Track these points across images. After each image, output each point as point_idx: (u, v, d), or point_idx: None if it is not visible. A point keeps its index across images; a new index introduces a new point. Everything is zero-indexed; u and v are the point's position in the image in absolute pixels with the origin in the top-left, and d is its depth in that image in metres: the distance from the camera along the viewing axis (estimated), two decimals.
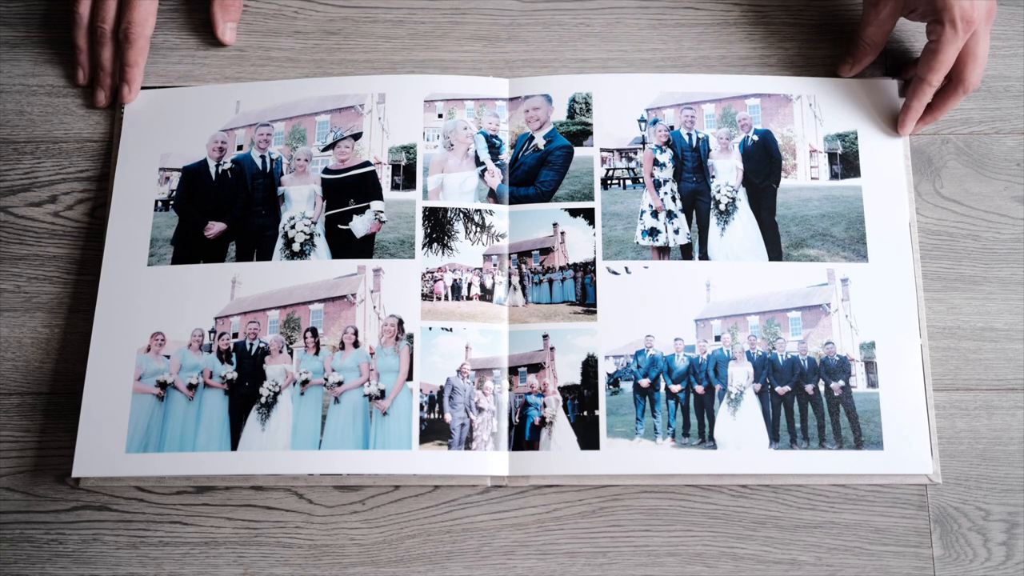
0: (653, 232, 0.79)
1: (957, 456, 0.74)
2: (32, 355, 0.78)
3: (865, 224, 0.77)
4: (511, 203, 0.79)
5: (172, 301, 0.77)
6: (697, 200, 0.80)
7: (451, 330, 0.76)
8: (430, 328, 0.76)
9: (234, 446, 0.74)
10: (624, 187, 0.80)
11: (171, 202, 0.80)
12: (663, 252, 0.78)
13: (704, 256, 0.78)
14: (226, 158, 0.81)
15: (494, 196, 0.80)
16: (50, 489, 0.75)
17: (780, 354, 0.76)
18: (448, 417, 0.74)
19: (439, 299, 0.77)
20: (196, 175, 0.81)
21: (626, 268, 0.78)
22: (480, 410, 0.75)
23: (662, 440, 0.73)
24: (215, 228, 0.79)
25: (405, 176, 0.80)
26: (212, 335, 0.77)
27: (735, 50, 0.84)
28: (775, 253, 0.78)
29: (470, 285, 0.78)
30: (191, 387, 0.75)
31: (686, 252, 0.78)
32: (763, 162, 0.80)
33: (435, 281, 0.77)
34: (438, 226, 0.79)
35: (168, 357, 0.76)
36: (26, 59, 0.85)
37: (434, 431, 0.74)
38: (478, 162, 0.80)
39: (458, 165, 0.80)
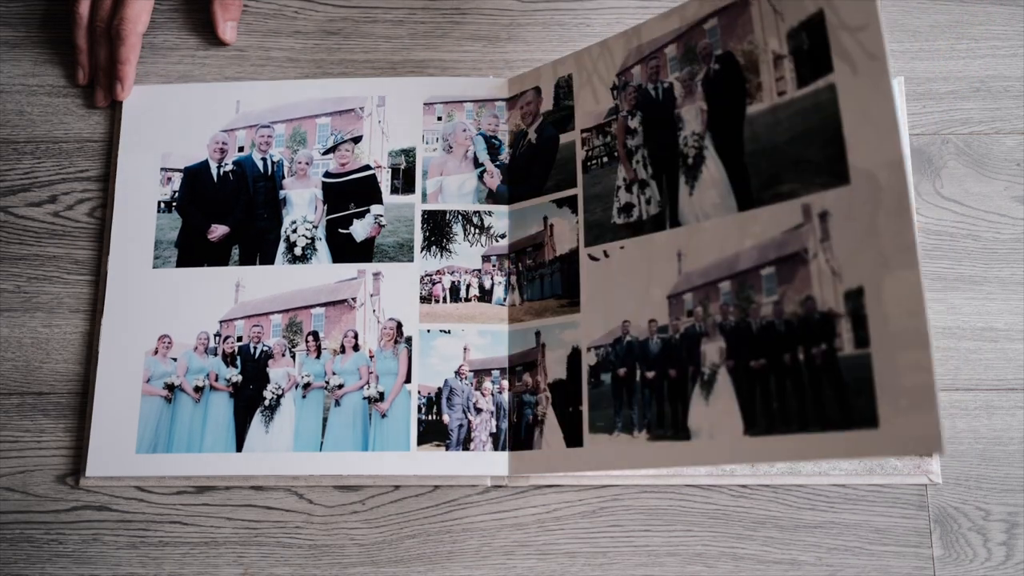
0: (627, 208, 0.73)
1: (957, 456, 0.74)
2: (32, 355, 0.78)
3: (843, 131, 0.60)
4: (511, 202, 0.79)
5: (177, 304, 0.78)
6: (667, 160, 0.71)
7: (449, 332, 0.76)
8: (428, 330, 0.76)
9: (239, 447, 0.74)
10: (601, 166, 0.75)
11: (174, 203, 0.80)
12: (637, 227, 0.72)
13: (675, 222, 0.69)
14: (227, 159, 0.81)
15: (494, 197, 0.80)
16: (50, 489, 0.75)
17: (754, 321, 0.63)
18: (446, 418, 0.74)
19: (437, 301, 0.77)
20: (197, 176, 0.81)
21: (604, 252, 0.73)
22: (479, 411, 0.75)
23: (638, 433, 0.68)
24: (218, 231, 0.79)
25: (404, 179, 0.80)
26: (217, 338, 0.77)
27: None
28: (745, 199, 0.65)
29: (468, 287, 0.78)
30: (197, 389, 0.76)
31: (658, 222, 0.70)
32: (728, 93, 0.68)
33: (433, 284, 0.77)
34: (437, 229, 0.79)
35: (175, 360, 0.76)
36: (26, 59, 0.85)
37: (432, 432, 0.74)
38: (477, 163, 0.80)
39: (457, 167, 0.80)
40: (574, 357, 0.73)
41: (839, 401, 0.58)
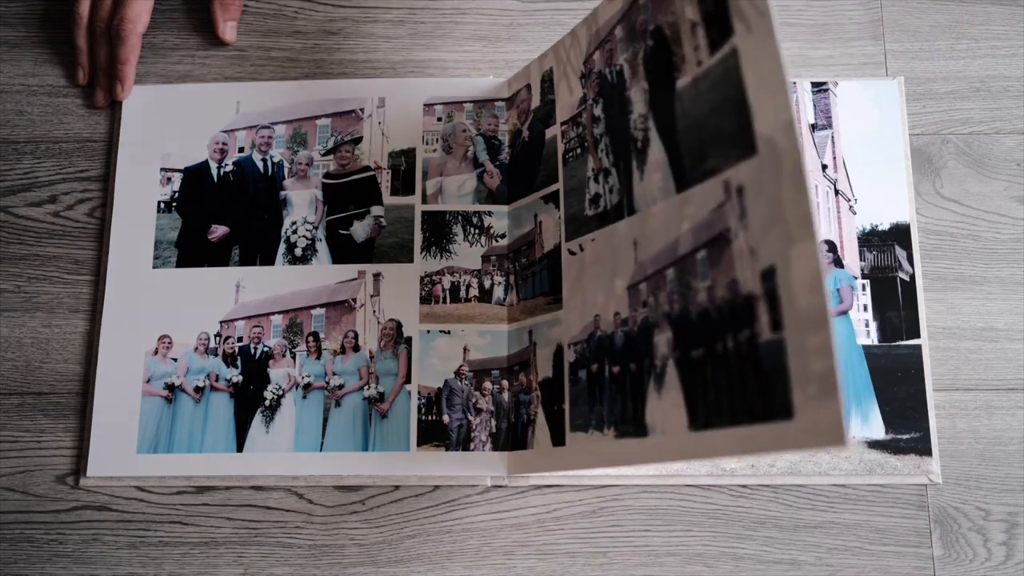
0: (596, 199, 0.69)
1: (957, 456, 0.74)
2: (32, 355, 0.78)
3: (748, 97, 0.54)
4: (509, 202, 0.79)
5: (178, 304, 0.78)
6: (623, 145, 0.67)
7: (449, 332, 0.76)
8: (428, 331, 0.76)
9: (239, 448, 0.74)
10: (576, 158, 0.72)
11: (174, 203, 0.80)
12: (604, 218, 0.68)
13: (631, 210, 0.65)
14: (227, 160, 0.81)
15: (494, 197, 0.80)
16: (50, 489, 0.75)
17: (694, 308, 0.58)
18: (446, 419, 0.74)
19: (437, 301, 0.77)
20: (198, 176, 0.81)
21: (580, 246, 0.71)
22: (478, 411, 0.75)
23: (607, 430, 0.65)
24: (218, 232, 0.79)
25: (404, 180, 0.80)
26: (217, 339, 0.77)
27: None
28: (681, 180, 0.60)
29: (468, 287, 0.78)
30: (198, 390, 0.76)
31: (619, 211, 0.66)
32: (661, 69, 0.63)
33: (433, 284, 0.77)
34: (436, 230, 0.79)
35: (175, 360, 0.76)
36: (26, 59, 0.85)
37: (432, 432, 0.74)
38: (477, 164, 0.80)
39: (457, 168, 0.80)
40: (558, 355, 0.72)
41: (761, 391, 0.53)
